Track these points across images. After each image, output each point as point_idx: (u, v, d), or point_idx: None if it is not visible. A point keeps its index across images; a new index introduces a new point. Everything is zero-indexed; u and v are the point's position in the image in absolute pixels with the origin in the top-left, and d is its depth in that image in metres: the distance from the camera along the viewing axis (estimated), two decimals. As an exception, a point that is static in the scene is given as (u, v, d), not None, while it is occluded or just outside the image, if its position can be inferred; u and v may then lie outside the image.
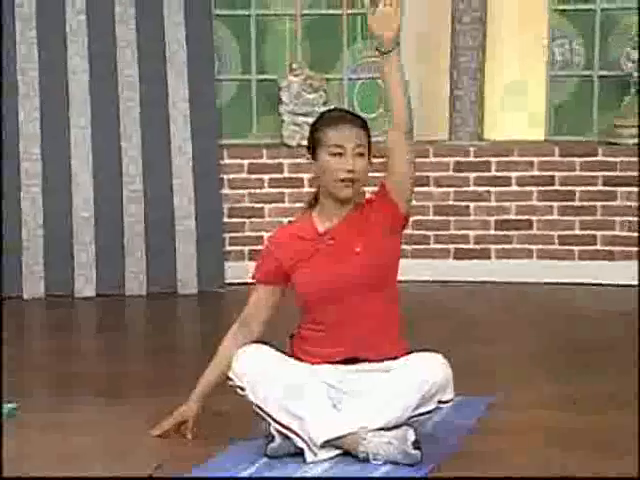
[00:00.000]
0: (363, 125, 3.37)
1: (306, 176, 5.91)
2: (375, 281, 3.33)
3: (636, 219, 5.90)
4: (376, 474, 3.11)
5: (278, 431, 3.26)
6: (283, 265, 3.38)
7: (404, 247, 3.58)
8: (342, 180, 3.31)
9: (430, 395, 3.24)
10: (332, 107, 3.66)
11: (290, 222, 3.54)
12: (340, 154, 3.31)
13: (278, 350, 3.35)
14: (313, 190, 3.48)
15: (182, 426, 3.46)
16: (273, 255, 3.40)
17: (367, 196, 3.45)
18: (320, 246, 3.34)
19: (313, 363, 3.35)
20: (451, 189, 6.02)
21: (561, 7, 6.21)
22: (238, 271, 5.91)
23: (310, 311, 3.38)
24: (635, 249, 5.91)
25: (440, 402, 3.29)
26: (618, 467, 3.20)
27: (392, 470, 3.13)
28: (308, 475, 3.14)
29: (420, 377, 3.23)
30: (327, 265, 3.32)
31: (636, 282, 5.83)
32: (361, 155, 3.33)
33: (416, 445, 3.17)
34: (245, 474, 3.15)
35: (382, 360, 3.33)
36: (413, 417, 3.24)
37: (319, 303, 3.35)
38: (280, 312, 3.46)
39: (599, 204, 5.95)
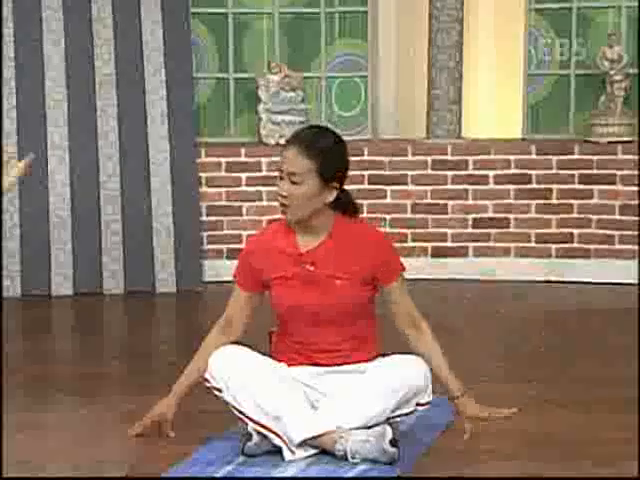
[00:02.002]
0: (311, 151, 3.21)
1: (284, 174, 5.90)
2: (352, 311, 3.32)
3: (611, 217, 5.94)
4: (353, 472, 3.12)
5: (256, 430, 3.26)
6: (262, 274, 3.36)
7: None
8: (279, 204, 3.28)
9: (408, 398, 3.25)
10: (307, 125, 3.51)
11: (270, 224, 3.51)
12: (281, 177, 3.27)
13: (255, 350, 3.35)
14: None
15: (162, 425, 3.45)
16: (252, 263, 3.37)
17: (367, 228, 3.39)
18: (299, 269, 3.30)
19: (290, 364, 3.36)
20: (429, 187, 6.03)
21: (538, 6, 6.24)
22: (216, 269, 5.91)
23: (283, 323, 3.39)
24: (611, 247, 5.94)
25: (418, 404, 3.30)
26: (588, 468, 3.21)
27: (369, 468, 3.14)
28: (285, 474, 3.14)
29: (399, 380, 3.24)
30: (304, 291, 3.30)
31: (613, 280, 5.86)
32: (294, 183, 3.22)
33: (393, 443, 3.17)
34: (222, 472, 3.15)
35: (358, 362, 3.34)
36: (391, 418, 3.25)
37: (291, 321, 3.35)
38: (259, 312, 3.46)
39: (576, 202, 5.98)
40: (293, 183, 3.23)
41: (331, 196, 3.27)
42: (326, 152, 3.24)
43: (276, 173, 5.94)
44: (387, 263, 3.33)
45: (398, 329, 3.36)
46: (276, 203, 5.87)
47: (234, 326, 3.41)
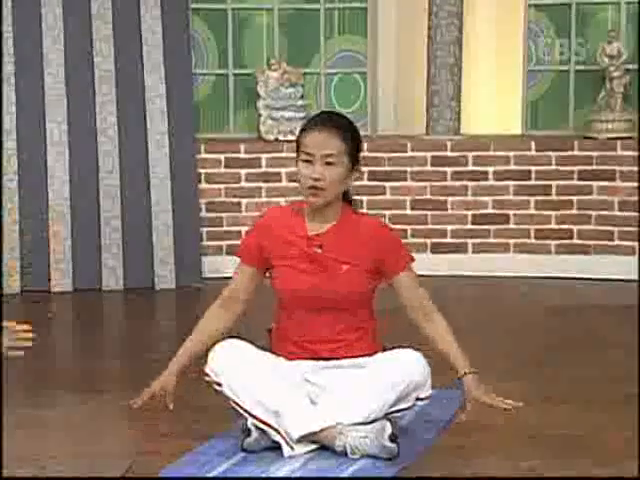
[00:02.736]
0: (343, 132, 3.28)
1: (284, 170, 5.91)
2: (355, 298, 3.34)
3: (610, 213, 5.94)
4: (352, 468, 3.13)
5: (255, 426, 3.26)
6: (267, 252, 3.36)
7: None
8: (309, 188, 3.26)
9: (407, 392, 3.26)
10: (323, 110, 3.51)
11: (282, 206, 3.51)
12: (310, 161, 3.26)
13: (255, 345, 3.35)
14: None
15: (163, 397, 3.38)
16: (259, 240, 3.37)
17: (373, 219, 3.41)
18: (307, 251, 3.32)
19: (290, 358, 3.36)
20: (428, 183, 6.04)
21: (537, 1, 6.23)
22: (215, 266, 5.91)
23: (286, 309, 3.39)
24: (610, 243, 5.95)
25: (418, 399, 3.30)
26: (588, 466, 3.21)
27: (368, 464, 3.14)
28: (285, 470, 3.14)
29: (398, 375, 3.24)
30: (310, 274, 3.31)
31: (612, 276, 5.87)
32: (330, 164, 3.25)
33: (393, 438, 3.18)
34: (222, 468, 3.15)
35: (358, 356, 3.34)
36: (390, 413, 3.26)
37: (292, 306, 3.36)
38: (258, 309, 3.46)
39: (575, 198, 5.98)
40: (328, 164, 3.24)
41: (353, 178, 3.33)
42: (352, 133, 3.32)
43: (275, 169, 6.02)
44: (394, 253, 3.34)
45: (411, 321, 3.36)
46: (275, 199, 5.96)
47: (236, 301, 3.41)
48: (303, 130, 3.31)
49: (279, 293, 3.37)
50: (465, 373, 3.28)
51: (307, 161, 3.26)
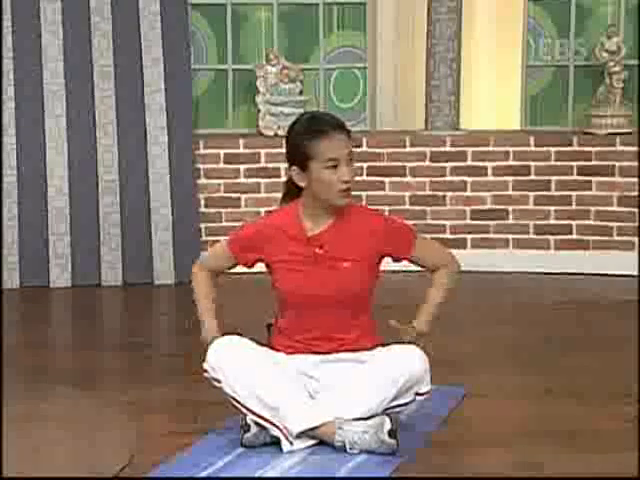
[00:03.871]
0: (345, 128, 3.32)
1: (283, 166, 5.91)
2: (356, 295, 3.35)
3: (610, 208, 5.95)
4: (351, 464, 3.13)
5: (254, 421, 3.26)
6: (265, 257, 3.36)
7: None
8: (343, 191, 3.28)
9: (407, 388, 3.26)
10: (309, 113, 3.49)
11: (272, 212, 3.52)
12: (335, 166, 3.27)
13: (254, 341, 3.35)
14: (287, 181, 3.45)
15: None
16: (257, 245, 3.37)
17: (367, 208, 3.46)
18: (308, 252, 3.32)
19: (289, 353, 3.36)
20: (427, 179, 6.03)
21: (537, -3, 6.24)
22: (215, 261, 5.90)
23: (288, 308, 3.40)
24: (610, 239, 5.95)
25: (417, 394, 3.31)
26: (587, 458, 3.21)
27: (367, 459, 3.14)
28: (284, 465, 3.14)
29: (397, 370, 3.24)
30: (312, 275, 3.31)
31: (611, 272, 5.87)
32: (351, 161, 3.30)
33: (392, 434, 3.18)
34: (221, 463, 3.16)
35: (358, 351, 3.35)
36: (390, 409, 3.26)
37: (294, 305, 3.36)
38: (257, 304, 3.46)
39: (574, 194, 5.98)
40: (349, 162, 3.29)
41: None
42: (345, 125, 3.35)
43: (274, 164, 6.01)
44: (397, 240, 3.37)
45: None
46: (275, 194, 5.96)
47: (214, 276, 3.49)
48: (315, 139, 3.27)
49: (281, 294, 3.38)
50: (414, 328, 3.38)
51: (332, 167, 3.26)
